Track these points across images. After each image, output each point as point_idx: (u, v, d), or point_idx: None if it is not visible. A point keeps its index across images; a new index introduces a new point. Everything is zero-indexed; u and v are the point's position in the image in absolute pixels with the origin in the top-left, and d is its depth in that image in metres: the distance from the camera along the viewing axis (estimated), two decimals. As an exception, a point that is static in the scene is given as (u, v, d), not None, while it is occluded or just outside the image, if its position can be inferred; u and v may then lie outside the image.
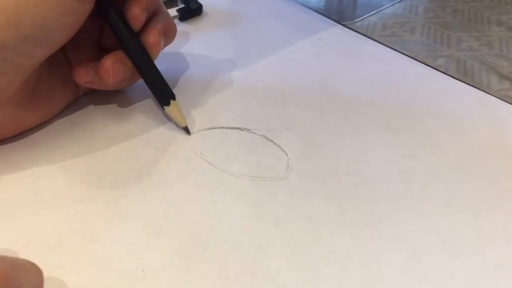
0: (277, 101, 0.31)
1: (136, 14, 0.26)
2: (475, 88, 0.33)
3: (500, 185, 0.26)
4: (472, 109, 0.31)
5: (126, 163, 0.26)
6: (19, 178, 0.25)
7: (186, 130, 0.28)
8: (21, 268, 0.18)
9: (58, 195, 0.24)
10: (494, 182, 0.26)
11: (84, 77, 0.27)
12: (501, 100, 0.32)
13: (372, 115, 0.30)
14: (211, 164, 0.27)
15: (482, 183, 0.26)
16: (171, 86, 0.29)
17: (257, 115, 0.30)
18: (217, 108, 0.30)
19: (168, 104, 0.28)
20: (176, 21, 0.38)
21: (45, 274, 0.19)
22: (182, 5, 0.39)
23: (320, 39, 0.37)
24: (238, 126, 0.29)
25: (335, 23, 0.39)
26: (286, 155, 0.27)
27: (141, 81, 0.28)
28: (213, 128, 0.29)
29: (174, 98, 0.28)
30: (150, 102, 0.30)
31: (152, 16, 0.28)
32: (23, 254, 0.22)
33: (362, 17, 0.41)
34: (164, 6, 0.29)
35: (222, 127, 0.29)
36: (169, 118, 0.29)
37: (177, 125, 0.28)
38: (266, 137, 0.28)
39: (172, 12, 0.38)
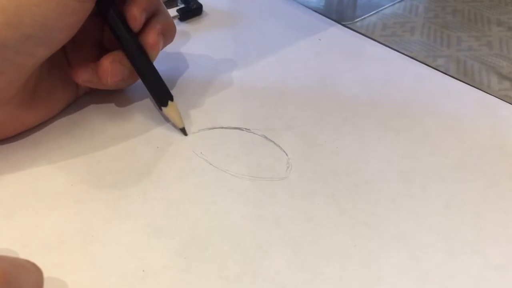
0: (277, 101, 0.31)
1: (135, 15, 0.26)
2: (475, 88, 0.33)
3: (501, 185, 0.26)
4: (472, 109, 0.31)
5: (126, 163, 0.26)
6: (19, 178, 0.25)
7: (183, 131, 0.28)
8: (21, 268, 0.18)
9: (58, 195, 0.24)
10: (494, 182, 0.26)
11: (82, 76, 0.27)
12: (501, 100, 0.32)
13: (372, 115, 0.30)
14: (211, 164, 0.27)
15: (482, 183, 0.26)
16: (171, 86, 0.29)
17: (257, 115, 0.30)
18: (217, 108, 0.30)
19: (165, 105, 0.28)
20: (176, 21, 0.38)
21: (45, 274, 0.19)
22: (182, 5, 0.39)
23: (320, 39, 0.37)
24: (238, 126, 0.29)
25: (335, 23, 0.39)
26: (286, 155, 0.27)
27: (141, 81, 0.28)
28: (213, 128, 0.29)
29: (172, 99, 0.28)
30: (150, 102, 0.30)
31: (152, 16, 0.28)
32: (23, 254, 0.22)
33: (362, 17, 0.41)
34: (164, 6, 0.30)
35: (222, 127, 0.29)
36: (167, 119, 0.29)
37: (175, 126, 0.28)
38: (266, 137, 0.28)
39: (172, 12, 0.38)
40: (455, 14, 0.42)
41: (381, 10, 0.43)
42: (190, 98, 0.31)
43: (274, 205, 0.24)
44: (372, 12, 0.42)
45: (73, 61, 0.28)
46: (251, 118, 0.30)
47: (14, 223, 0.23)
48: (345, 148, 0.28)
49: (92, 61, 0.27)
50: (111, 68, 0.27)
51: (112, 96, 0.30)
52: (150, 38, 0.27)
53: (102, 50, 0.29)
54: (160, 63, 0.29)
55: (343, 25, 0.39)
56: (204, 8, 0.40)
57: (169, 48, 0.31)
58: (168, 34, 0.29)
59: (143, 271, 0.21)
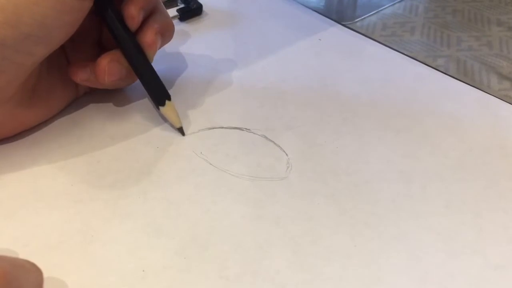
0: (277, 101, 0.31)
1: (133, 14, 0.26)
2: (475, 88, 0.33)
3: (501, 185, 0.26)
4: (472, 109, 0.31)
5: (126, 163, 0.26)
6: (19, 178, 0.25)
7: (181, 131, 0.28)
8: (21, 268, 0.18)
9: (58, 195, 0.24)
10: (494, 182, 0.26)
11: (80, 75, 0.27)
12: (501, 100, 0.32)
13: (372, 115, 0.30)
14: (211, 164, 0.27)
15: (482, 183, 0.26)
16: (171, 86, 0.29)
17: (257, 115, 0.30)
18: (217, 108, 0.30)
19: (163, 104, 0.28)
20: (176, 21, 0.38)
21: (45, 274, 0.19)
22: (182, 5, 0.39)
23: (320, 39, 0.37)
24: (238, 126, 0.29)
25: (335, 23, 0.39)
26: (286, 155, 0.27)
27: (139, 80, 0.28)
28: (213, 128, 0.29)
29: (169, 99, 0.28)
30: (150, 102, 0.30)
31: (150, 15, 0.28)
32: (23, 254, 0.21)
33: (362, 17, 0.41)
34: (163, 5, 0.29)
35: (222, 127, 0.29)
36: (165, 119, 0.29)
37: (172, 125, 0.28)
38: (266, 137, 0.28)
39: (172, 12, 0.38)
40: (455, 14, 0.42)
41: (381, 10, 0.43)
42: (190, 98, 0.31)
43: (274, 205, 0.24)
44: (372, 12, 0.42)
45: (72, 60, 0.28)
46: (251, 118, 0.30)
47: (14, 223, 0.23)
48: (345, 148, 0.28)
49: (92, 60, 0.27)
50: (109, 67, 0.27)
51: (112, 96, 0.30)
52: (148, 37, 0.27)
53: (101, 49, 0.29)
54: (160, 63, 0.29)
55: (343, 25, 0.39)
56: (204, 8, 0.40)
57: (169, 48, 0.31)
58: (166, 33, 0.29)
59: (143, 271, 0.21)
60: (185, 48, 0.36)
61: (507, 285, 0.22)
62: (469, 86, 0.33)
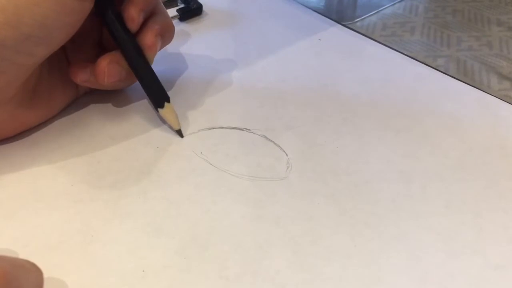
0: (277, 101, 0.31)
1: (133, 16, 0.26)
2: (475, 88, 0.33)
3: (501, 185, 0.26)
4: (472, 109, 0.31)
5: (126, 163, 0.26)
6: (19, 178, 0.25)
7: (180, 133, 0.28)
8: (21, 268, 0.18)
9: (58, 195, 0.24)
10: (494, 182, 0.26)
11: (80, 76, 0.27)
12: (501, 100, 0.32)
13: (372, 115, 0.30)
14: (211, 164, 0.27)
15: (482, 183, 0.26)
16: (171, 86, 0.29)
17: (257, 115, 0.30)
18: (217, 108, 0.30)
19: (162, 106, 0.28)
20: (176, 21, 0.38)
21: (45, 274, 0.19)
22: (182, 5, 0.39)
23: (320, 39, 0.37)
24: (238, 126, 0.29)
25: (335, 23, 0.39)
26: (286, 155, 0.27)
27: (138, 82, 0.28)
28: (213, 128, 0.29)
29: (168, 101, 0.28)
30: (150, 103, 0.30)
31: (150, 16, 0.28)
32: (23, 254, 0.22)
33: (362, 17, 0.41)
34: (163, 6, 0.29)
35: (222, 127, 0.29)
36: (163, 121, 0.29)
37: (171, 127, 0.28)
38: (266, 137, 0.28)
39: (172, 12, 0.38)
40: (455, 14, 0.42)
41: (381, 10, 0.43)
42: (190, 98, 0.31)
43: (274, 205, 0.24)
44: (372, 12, 0.42)
45: (73, 60, 0.28)
46: (251, 118, 0.30)
47: (14, 223, 0.23)
48: (345, 148, 0.28)
49: (92, 61, 0.27)
50: (108, 68, 0.27)
51: (112, 96, 0.30)
52: (148, 39, 0.27)
53: (102, 50, 0.29)
54: (160, 63, 0.29)
55: (343, 25, 0.39)
56: (204, 8, 0.40)
57: (169, 48, 0.31)
58: (166, 35, 0.29)
59: (143, 271, 0.21)
60: (185, 48, 0.36)
61: (507, 285, 0.22)
62: (469, 86, 0.33)
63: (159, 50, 0.29)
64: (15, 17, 0.22)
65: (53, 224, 0.23)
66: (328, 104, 0.31)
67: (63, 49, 0.28)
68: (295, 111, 0.30)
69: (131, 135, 0.28)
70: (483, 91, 0.33)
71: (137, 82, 0.29)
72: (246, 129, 0.29)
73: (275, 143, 0.28)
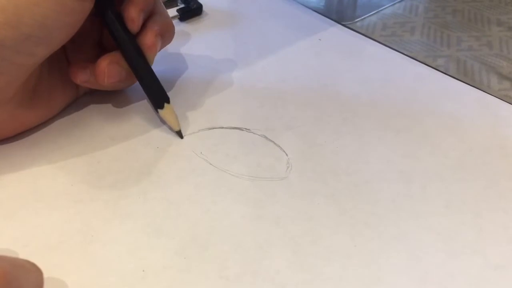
0: (277, 101, 0.31)
1: (133, 17, 0.26)
2: (475, 88, 0.33)
3: (501, 185, 0.26)
4: (472, 109, 0.31)
5: (126, 163, 0.26)
6: (19, 178, 0.25)
7: (179, 134, 0.28)
8: (21, 268, 0.18)
9: (58, 195, 0.24)
10: (494, 182, 0.26)
11: (80, 76, 0.27)
12: (501, 100, 0.32)
13: (372, 115, 0.30)
14: (211, 164, 0.27)
15: (482, 183, 0.26)
16: (171, 86, 0.29)
17: (257, 115, 0.30)
18: (217, 108, 0.30)
19: (162, 107, 0.28)
20: (176, 21, 0.38)
21: (45, 274, 0.19)
22: (182, 5, 0.39)
23: (320, 39, 0.37)
24: (238, 126, 0.29)
25: (335, 23, 0.39)
26: (286, 155, 0.27)
27: (138, 82, 0.28)
28: (213, 128, 0.29)
29: (168, 101, 0.28)
30: (150, 103, 0.30)
31: (150, 16, 0.28)
32: (23, 254, 0.22)
33: (362, 17, 0.41)
34: (163, 6, 0.29)
35: (222, 127, 0.29)
36: (163, 121, 0.29)
37: (171, 128, 0.28)
38: (266, 137, 0.28)
39: (172, 12, 0.38)
40: (455, 14, 0.42)
41: (381, 10, 0.43)
42: (190, 98, 0.31)
43: (274, 205, 0.24)
44: (372, 12, 0.42)
45: (73, 60, 0.28)
46: (251, 118, 0.30)
47: (14, 223, 0.23)
48: (345, 148, 0.28)
49: (92, 61, 0.27)
50: (108, 69, 0.27)
51: (112, 97, 0.30)
52: (148, 39, 0.27)
53: (102, 50, 0.29)
54: (160, 63, 0.29)
55: (343, 25, 0.39)
56: (204, 8, 0.40)
57: (169, 48, 0.31)
58: (166, 35, 0.29)
59: (143, 271, 0.21)
60: (185, 48, 0.36)
61: (507, 285, 0.22)
62: (469, 86, 0.33)
63: (159, 50, 0.29)
64: (15, 17, 0.22)
65: (53, 224, 0.23)
66: (328, 104, 0.31)
67: (63, 49, 0.28)
68: (295, 111, 0.30)
69: (131, 135, 0.28)
70: (483, 91, 0.33)
71: (137, 83, 0.29)
72: (246, 129, 0.29)
73: (275, 143, 0.28)
